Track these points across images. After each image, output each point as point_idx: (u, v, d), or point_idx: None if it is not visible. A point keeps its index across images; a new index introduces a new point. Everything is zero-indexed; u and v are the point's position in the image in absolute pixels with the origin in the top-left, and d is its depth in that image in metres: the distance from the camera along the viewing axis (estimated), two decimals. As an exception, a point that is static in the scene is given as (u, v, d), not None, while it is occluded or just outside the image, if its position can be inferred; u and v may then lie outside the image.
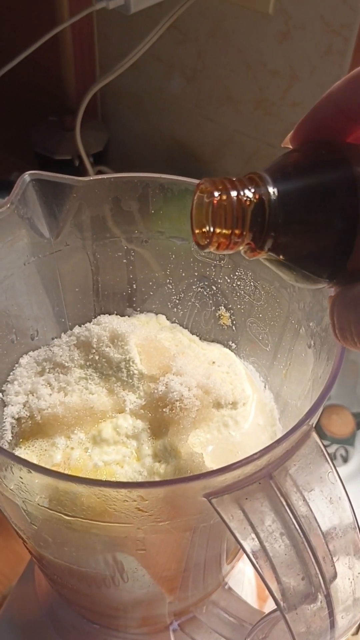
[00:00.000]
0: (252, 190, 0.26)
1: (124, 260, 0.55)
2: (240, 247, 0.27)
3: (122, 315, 0.56)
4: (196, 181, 0.46)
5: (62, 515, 0.37)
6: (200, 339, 0.57)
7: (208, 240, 0.27)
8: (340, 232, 0.26)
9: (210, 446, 0.51)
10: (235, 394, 0.51)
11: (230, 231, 0.26)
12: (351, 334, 0.26)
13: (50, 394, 0.48)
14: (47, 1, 1.08)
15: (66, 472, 0.48)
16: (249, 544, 0.34)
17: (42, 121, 1.22)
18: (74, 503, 0.35)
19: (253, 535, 0.34)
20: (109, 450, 0.47)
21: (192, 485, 0.33)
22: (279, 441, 0.34)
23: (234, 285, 0.53)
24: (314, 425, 0.37)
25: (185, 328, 0.57)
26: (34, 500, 0.36)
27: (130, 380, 0.50)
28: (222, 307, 0.56)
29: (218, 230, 0.26)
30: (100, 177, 0.48)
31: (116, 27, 1.12)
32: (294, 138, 0.29)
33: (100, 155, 1.19)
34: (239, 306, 0.54)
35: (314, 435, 0.37)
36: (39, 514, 0.40)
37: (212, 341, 0.57)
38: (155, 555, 0.46)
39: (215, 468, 0.48)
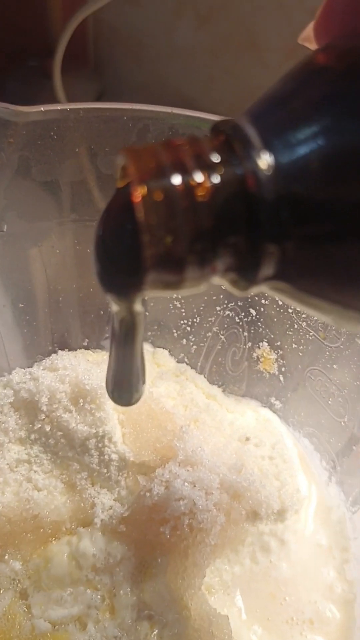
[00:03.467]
0: (219, 165, 0.17)
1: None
2: (211, 279, 0.18)
3: (95, 349, 0.45)
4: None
5: None
6: (223, 391, 0.46)
7: (138, 275, 0.18)
8: None
9: (237, 592, 0.36)
10: (284, 497, 0.39)
11: (178, 255, 0.17)
12: None
13: (-35, 490, 0.38)
14: None
15: None
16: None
17: (20, 67, 1.04)
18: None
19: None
20: (62, 597, 0.35)
21: None
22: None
23: (289, 311, 0.41)
24: None
25: (201, 373, 0.46)
26: None
27: (105, 471, 0.37)
28: (265, 344, 0.43)
29: (149, 254, 0.17)
30: (61, 106, 0.32)
31: None
32: (320, 29, 0.21)
33: (90, 111, 1.03)
34: (295, 346, 0.41)
35: None
36: None
37: (244, 396, 0.46)
38: None
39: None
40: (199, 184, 0.17)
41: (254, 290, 0.18)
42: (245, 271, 0.18)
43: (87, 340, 0.45)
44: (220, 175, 0.17)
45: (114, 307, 0.20)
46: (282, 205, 0.16)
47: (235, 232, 0.17)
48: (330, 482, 0.42)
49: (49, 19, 1.08)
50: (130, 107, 0.34)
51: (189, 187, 0.17)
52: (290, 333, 0.42)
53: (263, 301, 0.42)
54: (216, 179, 0.17)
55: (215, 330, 0.45)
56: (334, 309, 0.18)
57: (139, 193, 0.17)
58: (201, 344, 0.46)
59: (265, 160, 0.17)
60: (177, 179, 0.17)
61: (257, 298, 0.43)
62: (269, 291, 0.19)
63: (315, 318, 0.38)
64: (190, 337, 0.45)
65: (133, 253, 0.17)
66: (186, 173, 0.17)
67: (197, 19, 0.93)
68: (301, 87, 0.17)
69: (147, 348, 0.47)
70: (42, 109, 0.30)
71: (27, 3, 1.06)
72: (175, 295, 0.44)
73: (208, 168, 0.17)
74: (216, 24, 0.91)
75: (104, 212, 0.19)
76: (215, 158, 0.17)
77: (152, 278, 0.18)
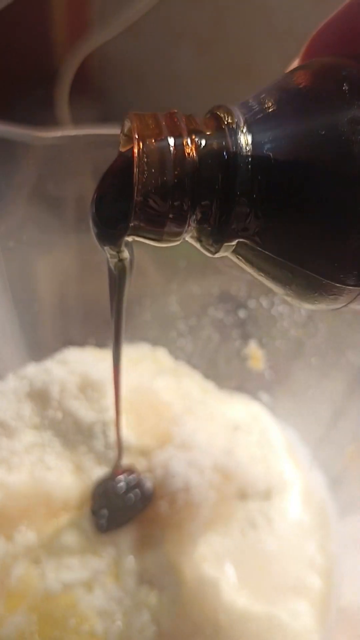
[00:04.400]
0: (208, 134, 0.19)
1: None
2: (184, 235, 0.20)
3: (101, 347, 0.47)
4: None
5: None
6: (217, 386, 0.48)
7: (123, 219, 0.20)
8: None
9: (228, 561, 0.39)
10: (270, 478, 0.41)
11: (162, 203, 0.19)
12: None
13: (-15, 469, 0.39)
14: None
15: (2, 598, 0.36)
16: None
17: (25, 94, 1.07)
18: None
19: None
20: (71, 563, 0.37)
21: None
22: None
23: (274, 311, 0.43)
24: None
25: (196, 370, 0.48)
26: None
27: (110, 452, 0.40)
28: (253, 342, 0.46)
29: (139, 201, 0.19)
30: (73, 132, 0.36)
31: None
32: (307, 56, 0.23)
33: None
34: (279, 342, 0.44)
35: None
36: None
37: (235, 390, 0.48)
38: None
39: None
40: (189, 145, 0.19)
41: (223, 252, 0.20)
42: (217, 226, 0.20)
43: (94, 339, 0.47)
44: (207, 141, 0.19)
45: (108, 255, 0.23)
46: (253, 171, 0.19)
47: (213, 189, 0.19)
48: (313, 466, 0.44)
49: (54, 48, 1.11)
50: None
51: (180, 146, 0.19)
52: (274, 332, 0.44)
53: (250, 304, 0.44)
54: (204, 142, 0.19)
55: (209, 331, 0.47)
56: (287, 275, 0.20)
57: (138, 146, 0.19)
58: (197, 342, 0.48)
59: (245, 137, 0.19)
60: (171, 139, 0.19)
61: (244, 301, 0.44)
62: (236, 258, 0.21)
63: (294, 317, 0.41)
64: (187, 336, 0.48)
65: (125, 198, 0.19)
66: (180, 136, 0.19)
67: (195, 48, 0.97)
68: (279, 92, 0.20)
69: (147, 347, 0.48)
70: (59, 134, 0.34)
71: (32, 32, 1.09)
72: (175, 298, 0.46)
73: (198, 135, 0.19)
74: (213, 53, 0.95)
75: (104, 173, 0.21)
76: (207, 130, 0.19)
77: (137, 224, 0.20)
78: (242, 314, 0.45)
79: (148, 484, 0.38)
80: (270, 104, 0.19)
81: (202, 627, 0.34)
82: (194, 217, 0.19)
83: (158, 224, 0.19)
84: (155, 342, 0.48)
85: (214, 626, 0.34)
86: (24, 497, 0.38)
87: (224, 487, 0.39)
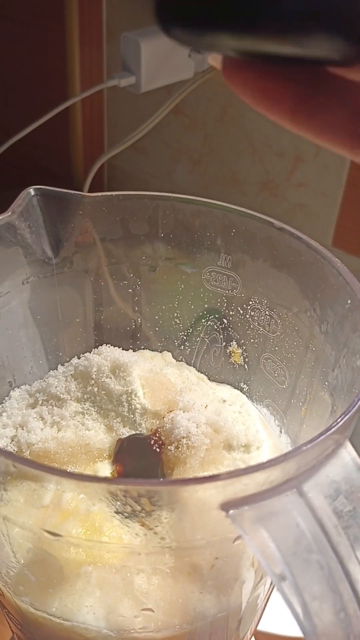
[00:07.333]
0: None
1: (130, 290, 0.51)
2: None
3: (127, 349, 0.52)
4: (216, 202, 0.43)
5: (47, 535, 0.31)
6: (209, 379, 0.54)
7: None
8: None
9: None
10: (249, 436, 0.48)
11: None
12: None
13: (42, 429, 0.46)
14: (59, 77, 1.11)
15: (56, 515, 0.43)
16: (276, 569, 0.28)
17: None
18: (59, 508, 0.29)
19: (279, 559, 0.28)
20: None
21: (206, 488, 0.28)
22: (308, 443, 0.29)
23: (247, 316, 0.51)
24: (348, 437, 0.32)
25: (193, 367, 0.55)
26: (17, 519, 0.31)
27: (132, 416, 0.47)
28: (234, 343, 0.53)
29: None
30: (108, 194, 0.47)
31: (126, 106, 1.15)
32: None
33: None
34: (252, 340, 0.51)
35: (349, 447, 0.31)
36: (21, 538, 0.34)
37: (222, 382, 0.54)
38: (155, 609, 0.39)
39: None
40: None
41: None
42: None
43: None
44: None
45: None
46: None
47: None
48: (281, 434, 0.50)
49: (73, 161, 1.27)
50: (148, 193, 0.47)
51: None
52: (248, 332, 0.50)
53: (230, 313, 0.51)
54: None
55: (202, 336, 0.53)
56: None
57: None
58: (193, 347, 0.54)
59: None
60: None
61: (227, 311, 0.50)
62: None
63: (262, 318, 0.48)
64: (186, 343, 0.54)
65: None
66: None
67: (191, 162, 1.14)
68: None
69: (156, 352, 0.54)
70: (99, 194, 0.47)
71: (55, 152, 1.26)
72: (176, 314, 0.52)
73: None
74: (206, 166, 1.13)
75: None
76: None
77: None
78: (225, 321, 0.51)
79: (155, 448, 0.46)
80: None
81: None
82: None
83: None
84: (162, 349, 0.55)
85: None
86: (70, 447, 0.44)
87: (215, 438, 0.45)
